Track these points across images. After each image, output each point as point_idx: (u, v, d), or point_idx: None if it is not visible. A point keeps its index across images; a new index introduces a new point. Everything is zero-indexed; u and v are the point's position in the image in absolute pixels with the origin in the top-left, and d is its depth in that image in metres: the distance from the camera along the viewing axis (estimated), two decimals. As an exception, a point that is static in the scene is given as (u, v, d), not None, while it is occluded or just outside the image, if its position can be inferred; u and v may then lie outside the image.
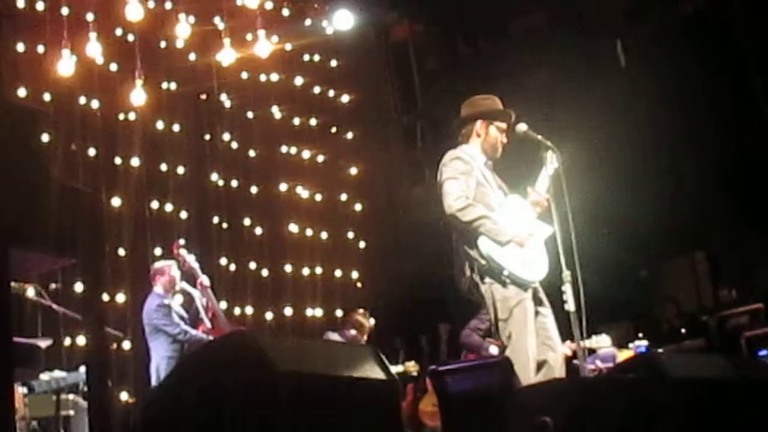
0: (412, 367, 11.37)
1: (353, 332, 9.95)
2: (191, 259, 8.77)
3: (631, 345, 9.05)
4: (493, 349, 8.86)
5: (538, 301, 6.14)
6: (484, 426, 4.29)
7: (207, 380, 3.38)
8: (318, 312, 12.55)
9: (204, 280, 8.72)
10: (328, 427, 3.44)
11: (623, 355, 8.50)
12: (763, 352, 9.32)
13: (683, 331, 10.59)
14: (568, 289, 5.95)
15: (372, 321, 10.58)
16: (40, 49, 9.85)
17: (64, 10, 9.76)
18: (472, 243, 6.03)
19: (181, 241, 8.94)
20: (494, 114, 6.47)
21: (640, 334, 9.64)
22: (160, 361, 8.46)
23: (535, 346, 5.94)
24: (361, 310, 10.53)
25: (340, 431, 3.50)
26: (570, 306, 5.93)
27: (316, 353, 3.77)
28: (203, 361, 3.57)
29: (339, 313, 12.35)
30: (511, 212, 6.24)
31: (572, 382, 5.07)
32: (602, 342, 8.24)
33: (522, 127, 6.42)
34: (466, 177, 6.18)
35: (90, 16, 9.86)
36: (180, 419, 3.39)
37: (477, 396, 4.42)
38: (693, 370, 4.43)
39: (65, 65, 9.40)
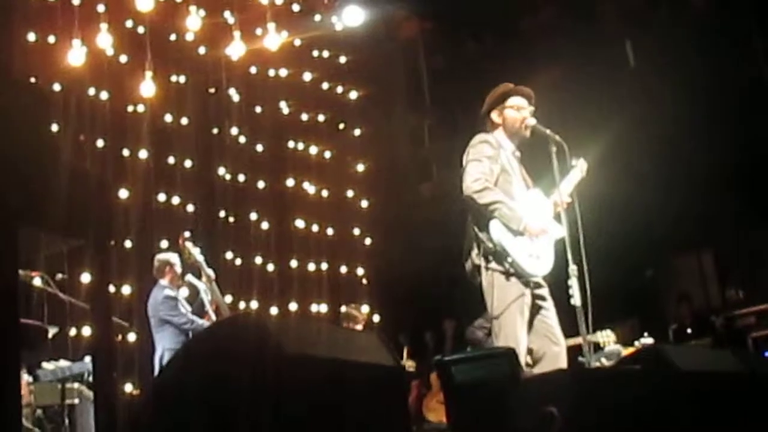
0: (409, 364, 11.42)
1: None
2: (196, 252, 8.74)
3: (636, 343, 9.05)
4: (498, 344, 8.87)
5: (540, 296, 6.11)
6: (489, 416, 4.28)
7: (213, 363, 3.37)
8: (323, 308, 12.56)
9: (209, 273, 8.71)
10: (335, 412, 3.43)
11: (628, 352, 8.49)
12: (769, 352, 9.31)
13: (689, 330, 10.58)
14: (574, 283, 5.91)
15: (365, 309, 10.71)
16: (51, 39, 9.87)
17: (76, 1, 9.79)
18: (484, 225, 5.98)
19: (187, 234, 8.91)
20: (501, 96, 6.42)
21: (646, 333, 9.62)
22: (164, 352, 8.44)
23: (525, 341, 5.91)
24: (353, 305, 10.72)
25: (346, 416, 3.49)
26: (576, 300, 5.89)
27: (323, 337, 3.76)
28: (209, 344, 3.55)
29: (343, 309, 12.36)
30: (530, 204, 6.21)
31: (578, 373, 5.06)
32: (606, 337, 8.24)
33: (531, 121, 6.38)
34: (490, 161, 6.11)
35: (101, 7, 9.87)
36: (188, 403, 3.38)
37: (482, 386, 4.41)
38: (699, 363, 4.43)
39: (75, 56, 9.41)
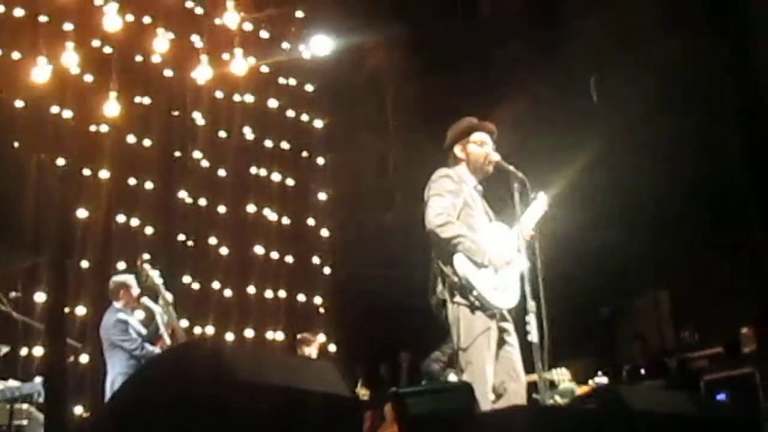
0: (363, 392, 11.39)
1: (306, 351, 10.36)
2: (155, 275, 8.67)
3: (591, 382, 9.08)
4: (452, 377, 8.86)
5: (505, 330, 6.11)
6: (442, 449, 4.28)
7: (169, 386, 3.33)
8: (279, 335, 12.50)
9: (167, 296, 8.64)
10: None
11: (582, 391, 8.52)
12: (721, 396, 9.35)
13: (643, 371, 10.63)
14: (532, 319, 5.92)
15: (321, 338, 10.75)
16: (16, 55, 9.82)
17: (42, 18, 9.76)
18: (447, 259, 5.98)
19: (146, 256, 8.84)
20: (464, 131, 6.47)
21: (600, 372, 9.67)
22: (116, 377, 8.34)
23: (492, 375, 5.91)
24: (307, 333, 10.81)
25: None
26: (533, 337, 5.90)
27: (278, 364, 3.73)
28: (164, 368, 3.52)
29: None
30: (494, 237, 6.22)
31: (533, 409, 5.06)
32: (561, 375, 8.28)
33: (495, 157, 6.41)
34: (452, 196, 6.13)
35: (68, 26, 9.85)
36: (145, 423, 3.34)
37: (437, 419, 4.40)
38: (652, 403, 4.44)
39: (41, 73, 9.37)
